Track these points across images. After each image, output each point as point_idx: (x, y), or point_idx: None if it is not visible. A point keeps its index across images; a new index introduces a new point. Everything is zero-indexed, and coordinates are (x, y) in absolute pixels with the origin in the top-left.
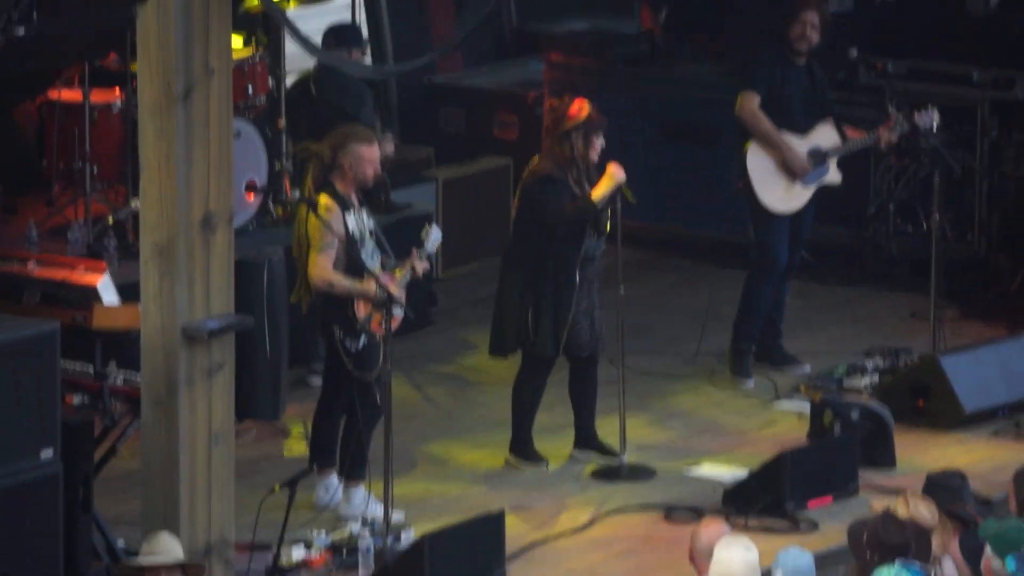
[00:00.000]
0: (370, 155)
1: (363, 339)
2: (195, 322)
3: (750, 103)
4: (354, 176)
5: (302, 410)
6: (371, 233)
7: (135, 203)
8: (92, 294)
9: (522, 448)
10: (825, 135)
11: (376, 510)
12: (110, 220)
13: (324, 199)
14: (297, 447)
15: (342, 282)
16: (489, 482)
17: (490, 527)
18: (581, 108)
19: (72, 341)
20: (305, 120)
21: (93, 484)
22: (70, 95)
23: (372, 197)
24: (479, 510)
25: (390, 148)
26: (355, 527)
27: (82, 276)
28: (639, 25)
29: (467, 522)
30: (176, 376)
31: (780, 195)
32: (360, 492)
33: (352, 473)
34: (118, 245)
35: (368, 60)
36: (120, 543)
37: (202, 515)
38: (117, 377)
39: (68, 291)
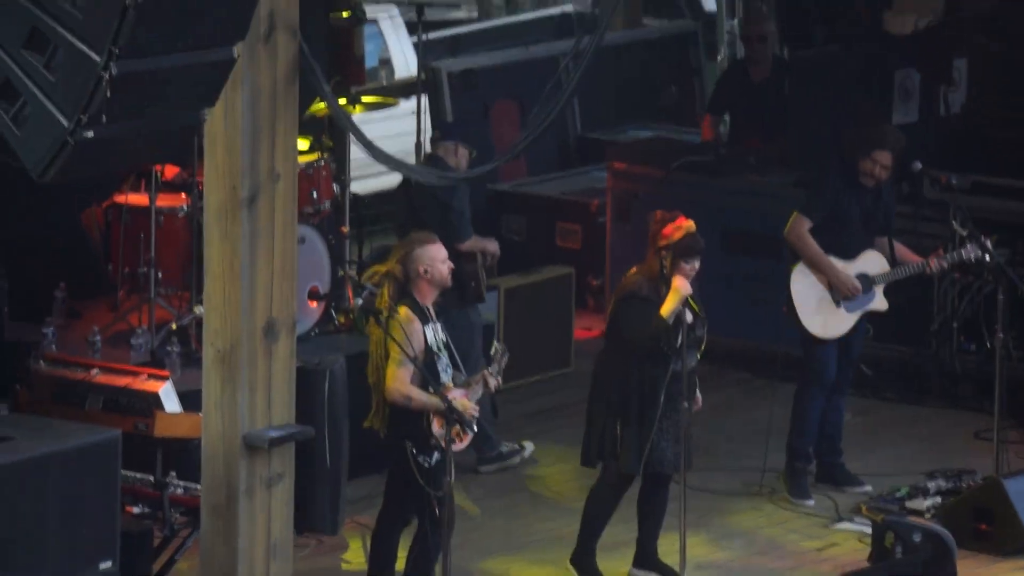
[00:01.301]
0: (439, 253)
1: (436, 455)
2: (256, 431)
3: (799, 227)
4: (431, 279)
5: (361, 523)
6: (445, 346)
7: (199, 309)
8: (154, 401)
9: (585, 562)
10: (873, 261)
11: None
12: (173, 326)
13: (404, 311)
14: (355, 560)
15: (420, 396)
16: None
17: None
18: (677, 229)
19: (133, 449)
20: (403, 207)
21: None
22: (136, 199)
23: (464, 287)
24: None
25: (494, 247)
26: None
27: (144, 383)
28: (702, 135)
29: None
30: (236, 485)
31: (823, 320)
32: None
33: None
34: (181, 352)
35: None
36: None
37: None
38: (177, 486)
39: (130, 398)
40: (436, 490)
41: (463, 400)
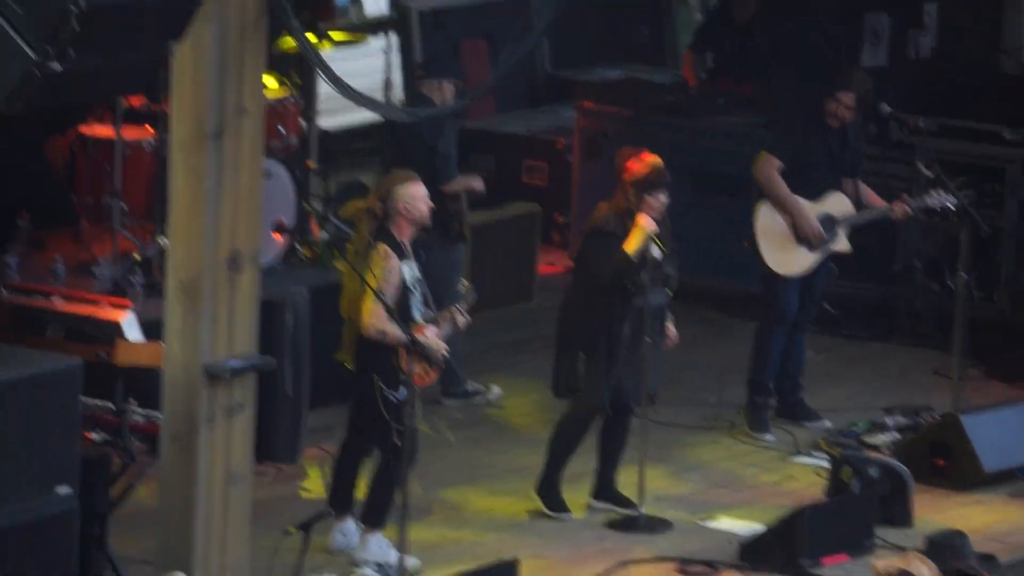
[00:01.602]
0: (419, 191)
1: (403, 390)
2: (217, 361)
3: (768, 166)
4: (411, 217)
5: (320, 453)
6: (418, 283)
7: (163, 240)
8: (116, 330)
9: (549, 494)
10: (838, 203)
11: (392, 556)
12: (137, 257)
13: (382, 248)
14: (314, 489)
15: (395, 332)
16: (505, 530)
17: (504, 575)
18: (642, 164)
19: (95, 377)
20: (390, 146)
21: (109, 521)
22: (102, 131)
23: (449, 225)
24: (494, 557)
25: (480, 184)
26: (369, 572)
27: (107, 312)
28: (675, 75)
29: (481, 569)
30: (197, 414)
31: (785, 258)
32: (378, 537)
33: (375, 520)
34: (144, 282)
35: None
36: None
37: (217, 556)
38: (137, 414)
39: (92, 327)
40: (400, 424)
41: (434, 338)
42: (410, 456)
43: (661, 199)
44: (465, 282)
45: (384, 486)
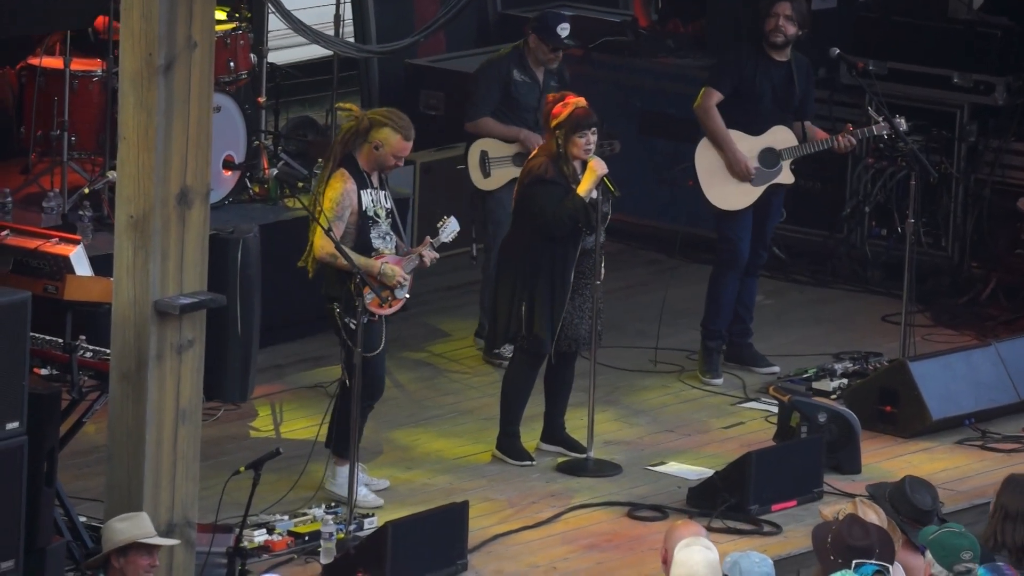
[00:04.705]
0: (400, 148)
1: (363, 318)
2: (167, 297)
3: (707, 100)
4: (376, 158)
5: (270, 391)
6: (388, 214)
7: (112, 174)
8: (65, 265)
9: (509, 444)
10: (780, 136)
11: (360, 491)
12: (86, 191)
13: (342, 172)
14: (264, 428)
15: (345, 256)
16: (455, 471)
17: (454, 517)
18: (565, 106)
19: (43, 312)
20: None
21: (57, 458)
22: (51, 62)
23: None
24: (443, 499)
25: (535, 141)
26: (318, 512)
27: (56, 247)
28: (625, 15)
29: (431, 511)
30: (146, 351)
31: (727, 192)
32: (346, 470)
33: (342, 450)
34: (93, 216)
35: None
36: (82, 519)
37: (166, 493)
38: (86, 350)
39: (41, 261)
40: (364, 350)
41: (393, 266)
42: (373, 389)
43: (590, 138)
44: (447, 217)
45: (345, 414)
